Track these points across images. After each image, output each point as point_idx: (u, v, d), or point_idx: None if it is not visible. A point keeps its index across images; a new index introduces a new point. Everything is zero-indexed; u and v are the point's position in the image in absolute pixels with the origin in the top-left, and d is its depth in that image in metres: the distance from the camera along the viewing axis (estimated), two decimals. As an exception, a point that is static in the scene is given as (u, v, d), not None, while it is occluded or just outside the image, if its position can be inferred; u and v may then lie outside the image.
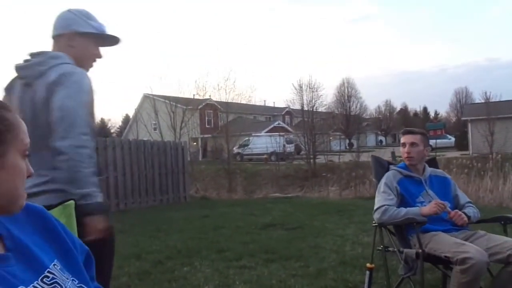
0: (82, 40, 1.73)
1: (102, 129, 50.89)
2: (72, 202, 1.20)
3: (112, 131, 52.10)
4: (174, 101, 15.84)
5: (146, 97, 24.49)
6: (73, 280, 0.89)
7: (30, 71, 1.67)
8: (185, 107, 16.19)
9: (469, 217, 2.41)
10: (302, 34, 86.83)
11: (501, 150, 19.15)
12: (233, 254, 4.12)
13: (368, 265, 2.76)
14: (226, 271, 3.58)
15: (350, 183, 11.52)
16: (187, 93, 18.50)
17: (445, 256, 2.11)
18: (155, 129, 17.55)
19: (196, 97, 20.08)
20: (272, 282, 3.20)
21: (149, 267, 3.76)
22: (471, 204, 2.59)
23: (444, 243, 2.20)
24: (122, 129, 42.81)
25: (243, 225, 5.84)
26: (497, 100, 27.31)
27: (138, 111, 24.95)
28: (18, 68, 1.72)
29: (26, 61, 1.71)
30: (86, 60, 1.77)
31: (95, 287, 1.01)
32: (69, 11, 1.75)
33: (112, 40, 1.85)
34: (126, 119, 41.72)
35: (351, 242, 4.47)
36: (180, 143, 10.40)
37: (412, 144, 2.56)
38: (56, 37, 1.74)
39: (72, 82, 1.59)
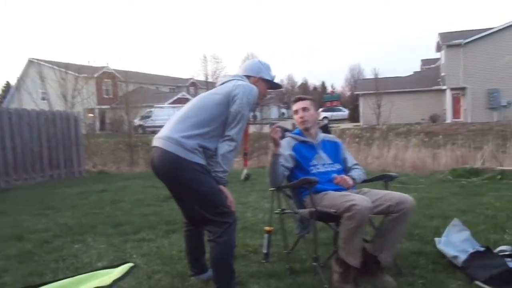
0: (262, 83, 2.48)
1: (-22, 99, 44.41)
2: None
3: (-10, 101, 45.81)
4: (64, 68, 14.28)
5: (31, 63, 21.85)
6: None
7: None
8: (77, 74, 14.73)
9: (354, 179, 2.61)
10: (208, 6, 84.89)
11: (387, 121, 21.37)
12: (131, 228, 3.91)
13: (266, 228, 2.81)
14: (123, 245, 3.38)
15: (254, 154, 11.75)
16: (80, 60, 16.93)
17: (334, 212, 2.24)
18: (43, 98, 15.79)
19: (92, 64, 18.51)
20: (172, 253, 3.10)
21: (32, 247, 3.37)
22: (357, 166, 2.82)
23: (333, 198, 2.36)
24: (2, 98, 37.80)
25: (143, 197, 5.59)
26: (385, 76, 30.12)
27: (21, 78, 22.19)
28: None
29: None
30: (259, 96, 2.43)
31: None
32: (259, 61, 2.55)
33: (277, 86, 2.72)
34: (7, 88, 36.86)
35: (252, 209, 4.55)
36: (73, 113, 9.49)
37: (304, 109, 2.74)
38: (244, 76, 2.44)
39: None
